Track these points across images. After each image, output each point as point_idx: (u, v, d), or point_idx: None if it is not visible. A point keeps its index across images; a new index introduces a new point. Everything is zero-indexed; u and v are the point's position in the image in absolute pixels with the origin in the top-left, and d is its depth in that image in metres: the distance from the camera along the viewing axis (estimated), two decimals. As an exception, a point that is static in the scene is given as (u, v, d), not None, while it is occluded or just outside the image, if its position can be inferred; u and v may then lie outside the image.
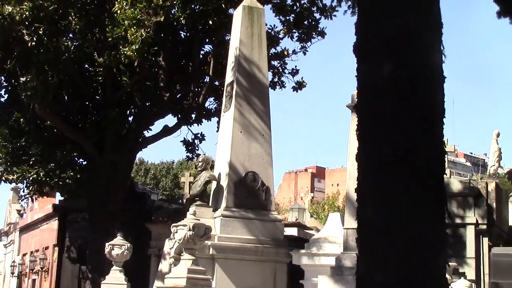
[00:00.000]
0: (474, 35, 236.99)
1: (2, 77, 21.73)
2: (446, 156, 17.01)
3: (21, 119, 22.19)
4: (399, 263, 6.78)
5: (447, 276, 11.32)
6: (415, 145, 6.96)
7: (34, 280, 35.66)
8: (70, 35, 20.55)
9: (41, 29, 19.40)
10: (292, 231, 23.54)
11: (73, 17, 19.96)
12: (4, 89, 22.23)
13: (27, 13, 18.69)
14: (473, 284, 15.23)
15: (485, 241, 16.31)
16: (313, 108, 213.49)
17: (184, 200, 15.91)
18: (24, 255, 37.64)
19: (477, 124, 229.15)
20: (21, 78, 20.05)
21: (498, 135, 23.55)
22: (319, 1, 22.61)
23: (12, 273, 39.97)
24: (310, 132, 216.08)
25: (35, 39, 19.35)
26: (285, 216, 36.45)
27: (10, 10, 18.55)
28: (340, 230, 15.17)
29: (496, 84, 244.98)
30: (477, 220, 16.50)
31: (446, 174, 15.77)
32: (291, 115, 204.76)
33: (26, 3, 18.66)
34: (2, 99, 22.42)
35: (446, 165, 17.91)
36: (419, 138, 7.02)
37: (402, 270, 6.76)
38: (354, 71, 7.56)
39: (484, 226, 16.53)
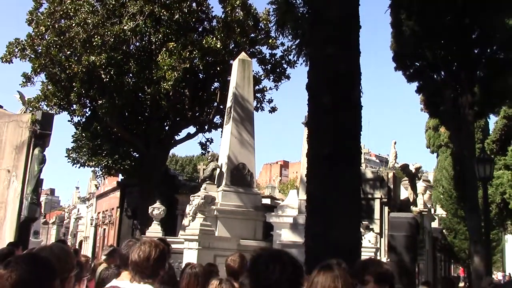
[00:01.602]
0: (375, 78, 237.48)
1: (87, 100, 21.56)
2: (362, 155, 17.12)
3: (98, 127, 22.06)
4: (330, 221, 6.80)
5: (361, 230, 11.40)
6: (342, 148, 6.99)
7: (104, 229, 35.41)
8: (130, 74, 20.44)
9: (112, 71, 19.37)
10: (266, 201, 23.47)
11: (133, 63, 19.88)
12: (88, 108, 22.09)
13: (103, 60, 18.67)
14: (377, 235, 15.27)
15: (386, 209, 16.36)
16: (282, 124, 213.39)
17: (199, 180, 15.76)
18: (99, 213, 37.34)
19: (384, 134, 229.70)
20: (99, 101, 20.02)
21: (395, 143, 23.78)
22: (286, 57, 22.71)
23: (91, 224, 39.71)
24: (279, 138, 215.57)
25: (108, 77, 19.34)
26: (262, 191, 36.27)
27: (93, 59, 18.52)
28: (296, 201, 15.18)
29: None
30: (381, 196, 16.53)
31: (362, 167, 15.89)
32: (268, 127, 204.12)
33: (103, 54, 18.62)
34: (87, 114, 22.28)
35: (363, 161, 18.08)
36: (345, 143, 7.06)
37: (332, 226, 6.78)
38: (306, 101, 7.58)
39: (385, 200, 16.56)
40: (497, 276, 40.63)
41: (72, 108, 21.08)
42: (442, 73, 16.69)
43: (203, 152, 24.36)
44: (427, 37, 15.90)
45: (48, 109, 20.18)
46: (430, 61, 16.56)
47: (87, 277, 3.71)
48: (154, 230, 14.08)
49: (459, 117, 15.76)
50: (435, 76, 16.85)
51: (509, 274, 40.04)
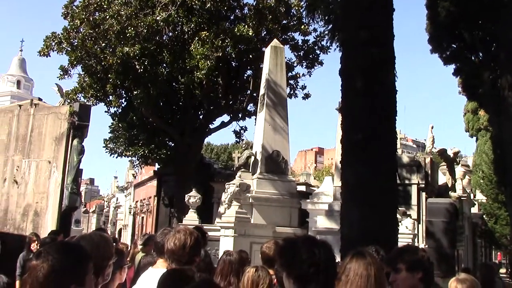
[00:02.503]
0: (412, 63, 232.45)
1: (123, 91, 21.86)
2: (398, 140, 16.88)
3: (134, 117, 22.33)
4: (366, 208, 6.77)
5: (398, 216, 11.29)
6: (376, 133, 6.91)
7: (142, 218, 36.05)
8: (164, 65, 20.62)
9: (146, 61, 19.57)
10: (302, 188, 23.41)
11: (166, 53, 20.04)
12: (124, 99, 22.40)
13: (137, 51, 18.88)
14: (415, 221, 15.09)
15: (423, 194, 16.13)
16: (316, 110, 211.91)
17: (234, 168, 15.86)
18: (137, 201, 38.02)
19: (421, 119, 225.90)
20: (134, 92, 20.28)
21: (432, 127, 23.29)
22: (319, 43, 22.53)
23: (130, 212, 40.50)
24: (314, 125, 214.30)
25: (142, 67, 19.56)
26: (297, 178, 36.21)
27: (127, 50, 18.76)
28: (331, 187, 15.11)
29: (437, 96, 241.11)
30: (418, 181, 16.32)
31: (398, 152, 15.70)
32: (303, 114, 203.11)
33: (136, 45, 18.83)
34: (123, 105, 22.61)
35: (399, 146, 17.85)
36: (379, 128, 6.98)
37: (367, 212, 6.75)
38: (339, 86, 7.52)
39: (423, 185, 16.34)
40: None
41: (108, 99, 21.41)
42: (480, 54, 16.24)
43: (237, 140, 24.46)
44: (464, 18, 15.47)
45: (85, 100, 20.57)
46: (467, 43, 16.13)
47: (128, 265, 3.80)
48: (191, 218, 14.26)
49: (498, 99, 15.32)
50: (472, 58, 16.41)
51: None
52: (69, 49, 20.15)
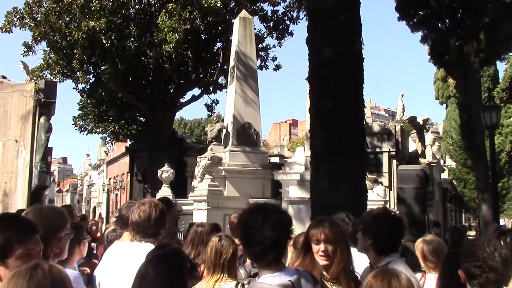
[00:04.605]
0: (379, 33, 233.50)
1: (90, 67, 21.46)
2: (370, 109, 16.99)
3: (103, 93, 22.00)
4: (334, 175, 6.79)
5: (369, 183, 11.44)
6: (344, 101, 6.89)
7: (116, 194, 35.90)
8: (131, 38, 20.26)
9: (113, 35, 19.19)
10: (275, 160, 23.56)
11: (133, 27, 19.67)
12: (91, 74, 22.00)
13: (103, 25, 18.47)
14: (386, 188, 15.32)
15: (394, 162, 16.31)
16: (290, 82, 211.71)
17: (207, 142, 15.82)
18: (110, 179, 37.77)
19: (393, 88, 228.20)
20: (102, 67, 19.91)
21: (402, 95, 23.60)
22: (289, 13, 22.40)
23: (103, 190, 40.25)
24: (288, 97, 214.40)
25: (109, 42, 19.17)
26: (272, 150, 36.36)
27: (92, 24, 18.33)
28: (303, 157, 15.18)
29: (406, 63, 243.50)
30: (389, 149, 16.43)
31: (368, 121, 15.81)
32: (277, 86, 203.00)
33: (102, 19, 18.41)
34: (90, 81, 22.22)
35: (370, 115, 17.98)
36: (347, 96, 6.95)
37: (336, 180, 6.78)
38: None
39: (394, 153, 16.52)
40: (508, 223, 40.91)
41: (75, 76, 21.01)
42: (447, 21, 16.35)
43: (209, 114, 24.37)
44: (431, -15, 15.52)
45: (51, 77, 20.12)
46: (434, 9, 16.19)
47: (88, 239, 3.76)
48: (164, 193, 14.21)
49: (465, 66, 15.53)
50: (439, 25, 16.51)
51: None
52: (32, 24, 19.61)
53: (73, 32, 18.88)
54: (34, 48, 20.23)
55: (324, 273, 3.01)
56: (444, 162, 32.59)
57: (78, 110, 23.30)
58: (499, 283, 2.47)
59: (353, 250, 3.31)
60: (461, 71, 15.93)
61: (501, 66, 32.50)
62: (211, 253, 3.45)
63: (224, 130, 14.65)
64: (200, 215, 11.57)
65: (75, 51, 19.45)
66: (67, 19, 19.18)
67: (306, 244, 3.07)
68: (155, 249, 2.55)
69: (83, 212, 41.66)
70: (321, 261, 3.01)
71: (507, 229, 7.05)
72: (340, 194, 6.76)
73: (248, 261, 3.91)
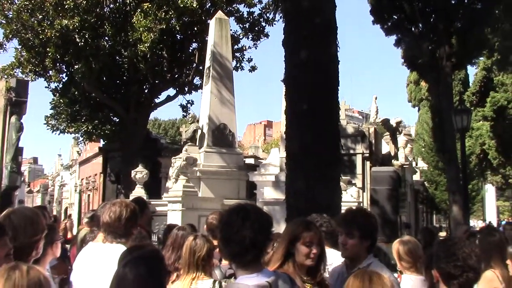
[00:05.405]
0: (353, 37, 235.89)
1: (63, 66, 21.13)
2: (344, 111, 17.12)
3: (76, 93, 21.71)
4: (310, 176, 6.84)
5: (343, 184, 11.51)
6: (319, 103, 6.95)
7: (89, 195, 35.46)
8: (106, 37, 20.02)
9: (87, 34, 18.92)
10: (250, 161, 23.64)
11: (107, 26, 19.43)
12: (64, 73, 21.66)
13: (77, 24, 18.21)
14: (360, 189, 15.46)
15: (367, 163, 16.45)
16: (265, 84, 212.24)
17: (182, 143, 15.74)
18: (82, 179, 37.27)
19: (367, 91, 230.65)
20: (75, 66, 19.61)
21: (376, 98, 23.88)
22: (264, 14, 22.47)
23: (75, 190, 39.67)
24: (263, 99, 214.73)
25: (83, 41, 18.90)
26: (246, 151, 36.39)
27: (66, 23, 18.06)
28: (278, 159, 15.23)
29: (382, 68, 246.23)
30: (363, 151, 16.55)
31: (343, 123, 15.91)
32: (252, 88, 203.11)
33: (76, 17, 18.16)
34: (63, 80, 21.86)
35: (344, 117, 18.10)
36: (322, 99, 7.01)
37: (311, 181, 6.82)
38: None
39: (367, 154, 16.65)
40: (478, 224, 41.68)
41: (48, 74, 20.63)
42: (420, 25, 16.62)
43: (184, 114, 24.23)
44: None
45: (23, 76, 19.75)
46: (408, 14, 16.45)
47: (61, 240, 3.71)
48: (138, 194, 14.06)
49: (437, 69, 15.79)
50: (412, 29, 16.78)
51: (489, 222, 41.10)
52: (3, 21, 19.21)
53: (46, 30, 18.56)
54: (5, 45, 19.85)
55: (305, 278, 3.02)
56: (416, 164, 33.10)
57: (50, 109, 22.99)
58: (475, 282, 2.51)
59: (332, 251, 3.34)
60: (433, 74, 16.20)
61: (471, 70, 33.23)
62: (186, 252, 3.48)
63: (199, 131, 14.58)
64: (174, 216, 11.50)
65: (47, 49, 19.10)
66: (40, 16, 18.83)
67: (288, 246, 3.06)
68: (131, 250, 2.51)
69: (55, 213, 41.02)
70: (309, 263, 3.03)
71: (476, 231, 7.19)
72: (315, 195, 6.80)
73: (224, 262, 3.91)
